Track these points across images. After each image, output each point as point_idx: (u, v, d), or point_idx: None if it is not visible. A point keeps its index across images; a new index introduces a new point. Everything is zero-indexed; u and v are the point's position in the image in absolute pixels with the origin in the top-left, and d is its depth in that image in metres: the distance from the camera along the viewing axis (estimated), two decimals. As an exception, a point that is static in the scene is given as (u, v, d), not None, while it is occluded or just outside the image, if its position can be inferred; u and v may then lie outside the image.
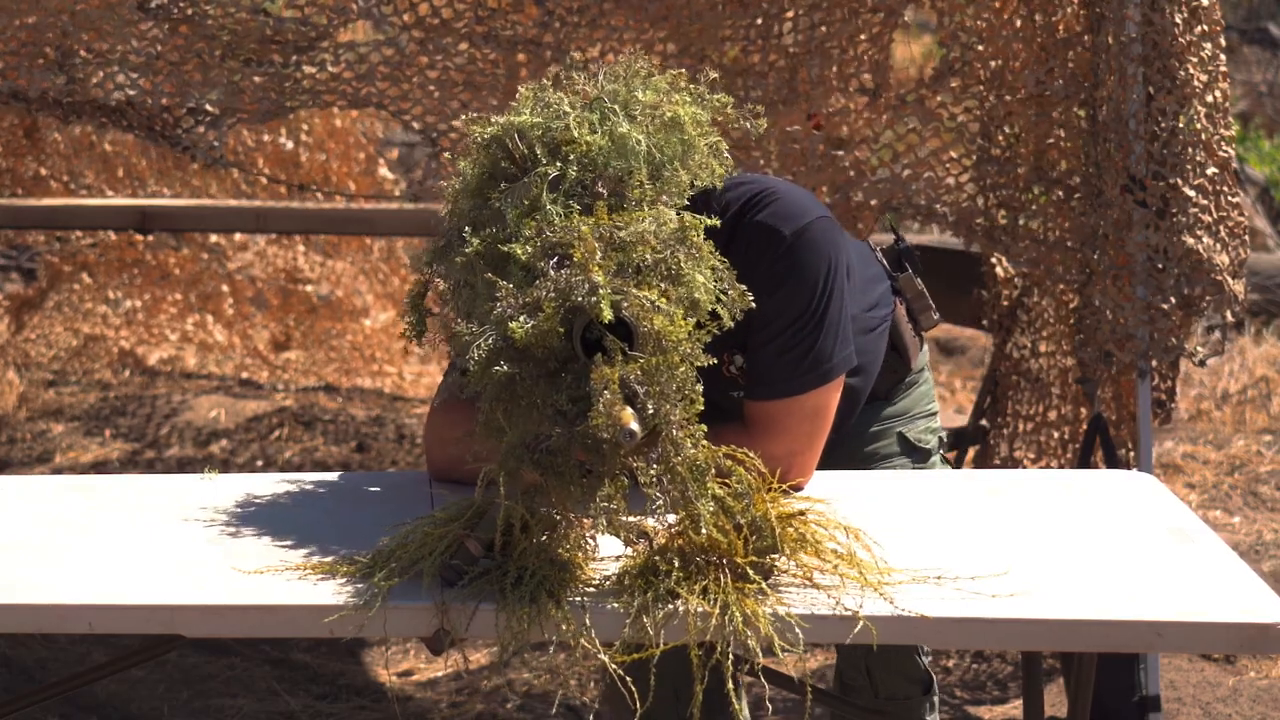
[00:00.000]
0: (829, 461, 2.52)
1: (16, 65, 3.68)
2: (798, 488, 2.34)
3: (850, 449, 2.62)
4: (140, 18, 3.69)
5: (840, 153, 3.72)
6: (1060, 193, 3.69)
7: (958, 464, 4.41)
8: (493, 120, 2.23)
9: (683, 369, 2.00)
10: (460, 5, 3.75)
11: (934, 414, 2.78)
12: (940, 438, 2.78)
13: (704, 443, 2.02)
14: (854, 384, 2.56)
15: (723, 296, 2.09)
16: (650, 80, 2.24)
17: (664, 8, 3.71)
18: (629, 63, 2.25)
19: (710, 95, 2.26)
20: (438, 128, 3.75)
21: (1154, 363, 3.52)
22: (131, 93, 3.68)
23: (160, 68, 3.69)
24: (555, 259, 2.03)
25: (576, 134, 2.15)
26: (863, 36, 3.71)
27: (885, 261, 2.72)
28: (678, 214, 2.14)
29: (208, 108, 3.72)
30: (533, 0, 3.77)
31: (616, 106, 2.19)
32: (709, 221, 2.14)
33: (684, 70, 2.30)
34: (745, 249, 2.29)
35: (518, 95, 2.27)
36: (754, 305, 2.12)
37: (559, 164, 2.13)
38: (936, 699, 2.76)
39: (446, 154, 2.25)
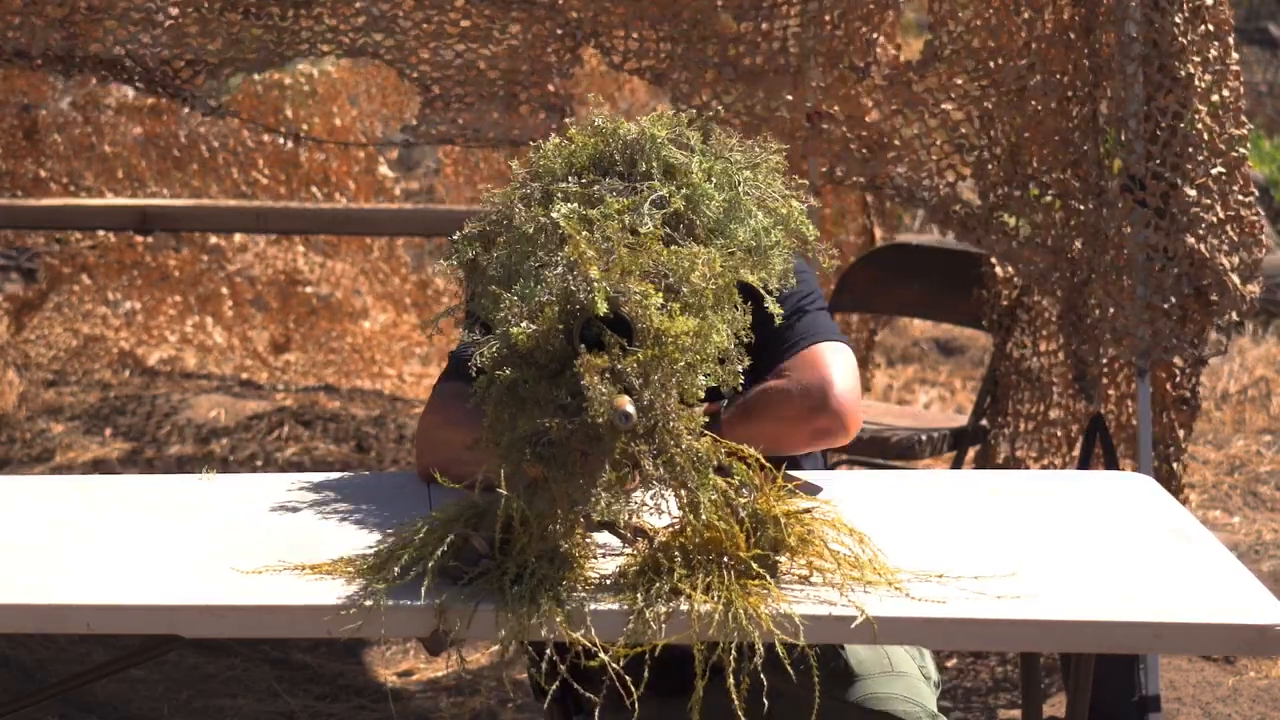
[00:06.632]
0: None
1: (20, 25, 3.72)
2: (846, 425, 2.37)
3: None
4: None
5: (826, 127, 3.74)
6: (1039, 189, 3.70)
7: (957, 464, 4.41)
8: (624, 120, 2.34)
9: (681, 363, 2.02)
10: None
11: None
12: None
13: (706, 435, 2.04)
14: None
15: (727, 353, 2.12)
16: (774, 174, 2.36)
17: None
18: (763, 151, 2.38)
19: (807, 224, 2.36)
20: (432, 76, 3.82)
21: (1177, 361, 3.52)
22: (131, 47, 3.74)
23: (160, 22, 3.74)
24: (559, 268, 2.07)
25: (697, 178, 2.27)
26: (856, 14, 3.72)
27: None
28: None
29: (206, 59, 3.77)
30: None
31: (746, 174, 2.33)
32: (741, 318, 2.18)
33: (799, 178, 2.42)
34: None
35: (654, 112, 2.39)
36: (741, 383, 2.15)
37: (671, 188, 2.24)
38: None
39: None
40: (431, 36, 3.81)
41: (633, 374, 1.99)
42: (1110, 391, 3.81)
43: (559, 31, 3.81)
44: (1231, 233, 3.44)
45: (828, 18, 3.74)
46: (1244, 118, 3.52)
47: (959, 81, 3.72)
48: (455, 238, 2.34)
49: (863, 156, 3.75)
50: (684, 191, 2.25)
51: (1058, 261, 3.65)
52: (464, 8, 3.81)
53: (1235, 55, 3.50)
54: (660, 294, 2.07)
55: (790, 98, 3.74)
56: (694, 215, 2.25)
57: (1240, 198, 3.47)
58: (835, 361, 2.43)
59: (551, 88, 3.83)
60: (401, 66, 3.83)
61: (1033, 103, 3.66)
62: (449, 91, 3.80)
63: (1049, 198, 3.69)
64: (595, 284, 2.03)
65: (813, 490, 2.34)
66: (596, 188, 2.25)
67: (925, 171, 3.75)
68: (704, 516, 2.00)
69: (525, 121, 3.79)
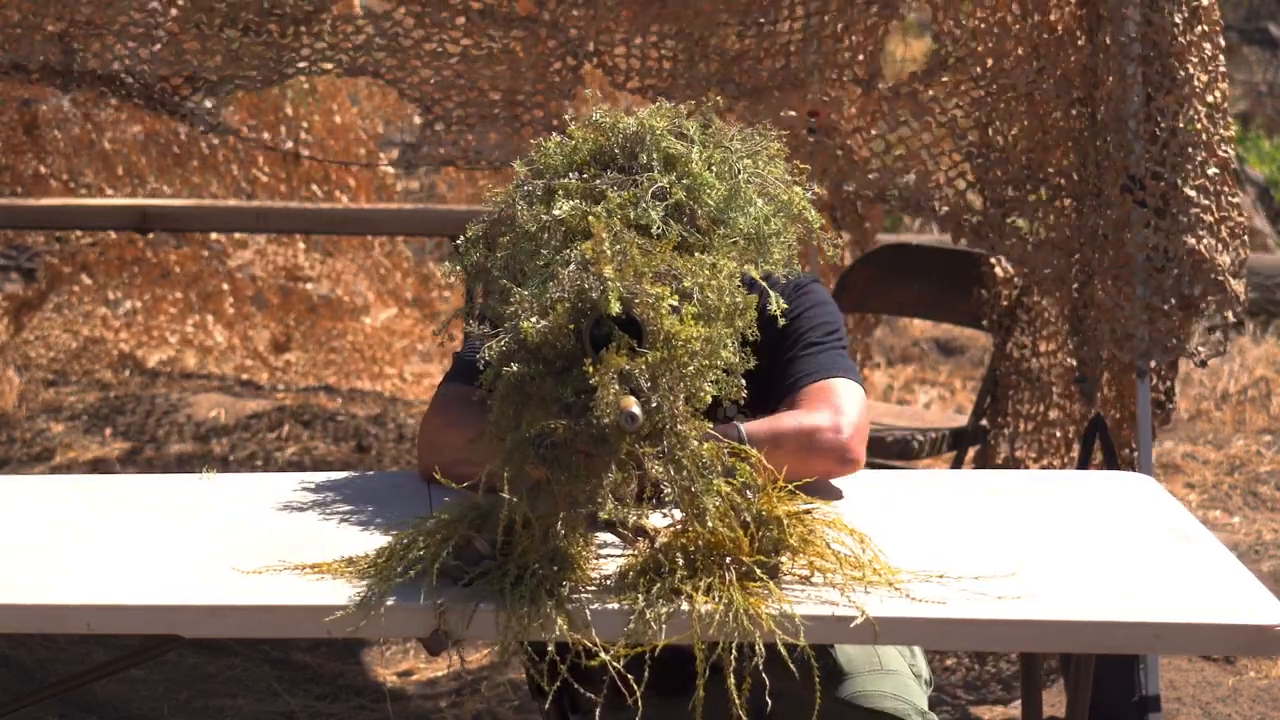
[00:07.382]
0: None
1: (18, 38, 3.74)
2: (850, 458, 2.38)
3: None
4: None
5: (831, 141, 3.74)
6: (1049, 192, 3.70)
7: (957, 464, 4.41)
8: (623, 113, 2.35)
9: (691, 368, 2.02)
10: None
11: None
12: None
13: (711, 439, 2.04)
14: None
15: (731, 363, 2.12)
16: (775, 161, 2.38)
17: (661, -10, 3.76)
18: (763, 139, 2.39)
19: (809, 208, 2.38)
20: (433, 96, 3.83)
21: (1152, 363, 3.51)
22: (130, 62, 3.75)
23: (159, 38, 3.74)
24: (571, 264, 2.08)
25: (697, 168, 2.27)
26: (858, 27, 3.73)
27: None
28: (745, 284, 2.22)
29: (205, 76, 3.79)
30: None
31: (746, 162, 2.34)
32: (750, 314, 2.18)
33: (807, 168, 2.44)
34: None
35: (656, 105, 2.38)
36: (744, 396, 2.15)
37: (671, 178, 2.25)
38: None
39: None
40: (432, 56, 3.81)
41: (641, 376, 1.99)
42: (1097, 395, 3.81)
43: (561, 50, 3.82)
44: (1224, 233, 3.45)
45: (829, 31, 3.73)
46: (1230, 119, 3.53)
47: (965, 88, 3.72)
48: (459, 241, 2.33)
49: (867, 168, 3.75)
50: (684, 182, 2.26)
51: (1068, 263, 3.65)
52: (465, 26, 3.80)
53: (1222, 57, 3.51)
54: (674, 296, 2.07)
55: (795, 113, 3.74)
56: (695, 205, 2.25)
57: (1230, 198, 3.47)
58: (842, 404, 2.44)
59: (554, 106, 3.84)
60: (402, 86, 3.83)
61: (1043, 106, 3.66)
62: (450, 113, 3.80)
63: (1062, 201, 3.68)
64: (609, 283, 2.03)
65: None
66: (598, 182, 2.25)
67: (933, 181, 3.75)
68: (710, 524, 2.00)
69: (527, 144, 3.80)
